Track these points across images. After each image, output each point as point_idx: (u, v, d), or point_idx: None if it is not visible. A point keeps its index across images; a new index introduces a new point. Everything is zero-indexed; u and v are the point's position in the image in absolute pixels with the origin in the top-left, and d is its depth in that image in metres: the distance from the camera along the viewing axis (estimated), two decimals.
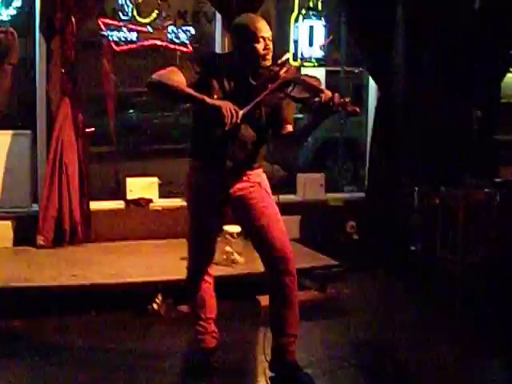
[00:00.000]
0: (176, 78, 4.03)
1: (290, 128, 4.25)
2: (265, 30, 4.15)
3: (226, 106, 3.91)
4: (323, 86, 4.08)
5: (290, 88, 4.06)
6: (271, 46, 4.17)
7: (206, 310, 4.60)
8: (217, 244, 4.64)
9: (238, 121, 3.95)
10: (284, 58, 4.24)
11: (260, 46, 4.12)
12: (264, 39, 4.13)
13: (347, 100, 3.93)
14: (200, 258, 4.59)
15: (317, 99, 3.96)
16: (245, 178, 4.32)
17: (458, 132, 7.56)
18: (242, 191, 4.32)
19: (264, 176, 4.44)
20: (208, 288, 4.62)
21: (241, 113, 3.95)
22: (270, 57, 4.17)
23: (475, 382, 4.71)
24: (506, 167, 7.50)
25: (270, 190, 4.43)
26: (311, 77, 4.16)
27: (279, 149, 4.36)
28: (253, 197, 4.32)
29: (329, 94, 3.95)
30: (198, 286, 4.59)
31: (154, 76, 4.03)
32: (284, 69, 4.11)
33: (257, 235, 4.36)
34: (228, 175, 4.28)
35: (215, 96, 4.07)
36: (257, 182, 4.36)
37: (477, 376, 4.78)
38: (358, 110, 4.00)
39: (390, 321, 5.84)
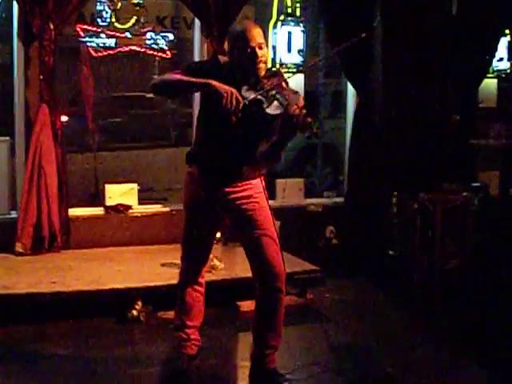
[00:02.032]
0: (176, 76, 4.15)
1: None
2: (258, 37, 4.15)
3: (229, 90, 3.97)
4: (301, 102, 4.10)
5: (265, 104, 4.07)
6: (265, 54, 4.17)
7: (192, 318, 4.58)
8: (210, 252, 4.64)
9: (239, 107, 3.99)
10: (274, 69, 4.27)
11: (259, 53, 4.12)
12: (261, 45, 4.15)
13: (309, 120, 3.93)
14: (191, 264, 4.57)
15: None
16: (246, 187, 4.31)
17: (436, 137, 7.61)
18: (242, 200, 4.30)
19: (263, 185, 4.44)
20: (197, 296, 4.59)
21: (242, 101, 4.00)
22: (262, 66, 4.16)
23: None
24: (484, 172, 7.56)
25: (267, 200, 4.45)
26: (294, 92, 4.19)
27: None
28: (252, 208, 4.32)
29: (296, 110, 3.97)
30: (186, 292, 4.55)
31: (156, 77, 4.14)
32: (269, 82, 4.13)
33: (251, 248, 4.36)
34: (226, 182, 4.28)
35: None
36: (258, 193, 4.36)
37: (454, 379, 4.81)
38: (315, 132, 3.99)
39: (370, 325, 5.86)
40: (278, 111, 4.03)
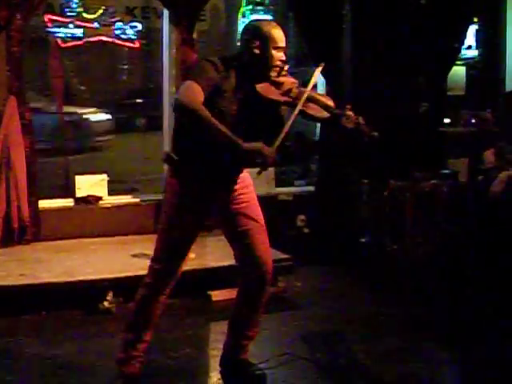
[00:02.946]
0: (199, 97, 3.83)
1: None
2: (283, 40, 4.09)
3: (262, 147, 3.86)
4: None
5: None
6: (284, 58, 4.12)
7: (150, 333, 4.27)
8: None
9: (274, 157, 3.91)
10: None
11: (278, 55, 4.05)
12: (282, 49, 4.08)
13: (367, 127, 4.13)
14: (170, 277, 4.24)
15: (344, 120, 4.09)
16: (237, 185, 4.25)
17: (406, 125, 7.64)
18: (243, 190, 4.27)
19: (248, 175, 4.36)
20: (160, 311, 4.28)
21: (273, 151, 3.90)
22: (280, 68, 4.09)
23: (426, 373, 4.76)
24: (453, 159, 7.60)
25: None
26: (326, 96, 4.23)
27: None
28: (252, 197, 4.32)
29: (353, 117, 4.09)
30: (155, 306, 4.23)
31: (183, 99, 3.83)
32: (298, 93, 4.08)
33: (241, 243, 4.28)
34: (223, 182, 4.19)
35: (226, 100, 3.96)
36: (246, 185, 4.31)
37: (428, 366, 4.84)
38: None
39: (341, 313, 5.88)
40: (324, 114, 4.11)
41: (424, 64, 7.82)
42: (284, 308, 6.01)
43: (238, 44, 7.49)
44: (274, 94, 4.06)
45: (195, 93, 3.83)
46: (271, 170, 8.04)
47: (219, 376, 4.48)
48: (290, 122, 4.01)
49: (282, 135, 3.95)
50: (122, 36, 7.70)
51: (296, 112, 4.02)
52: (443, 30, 7.86)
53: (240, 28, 7.65)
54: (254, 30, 4.12)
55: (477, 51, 8.74)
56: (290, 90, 4.09)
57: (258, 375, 4.40)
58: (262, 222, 4.34)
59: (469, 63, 8.77)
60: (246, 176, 4.32)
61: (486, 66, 8.90)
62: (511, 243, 5.75)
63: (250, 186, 4.34)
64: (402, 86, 7.65)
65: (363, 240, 7.20)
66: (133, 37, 7.74)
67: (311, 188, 8.07)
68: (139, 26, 7.78)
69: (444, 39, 7.95)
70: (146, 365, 4.34)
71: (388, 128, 7.46)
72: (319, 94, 4.31)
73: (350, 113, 4.12)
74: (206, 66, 3.99)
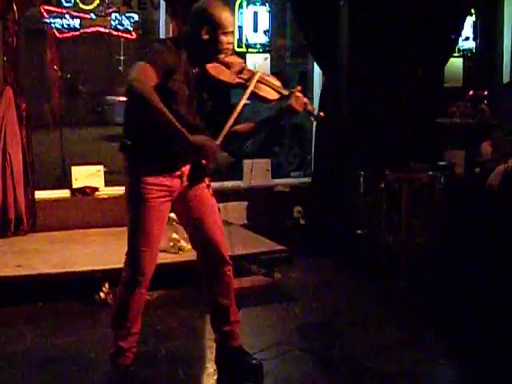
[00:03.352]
0: (151, 81, 3.78)
1: None
2: (232, 24, 4.05)
3: (207, 144, 3.88)
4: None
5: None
6: (232, 43, 4.11)
7: (137, 324, 4.23)
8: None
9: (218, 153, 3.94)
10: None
11: (225, 39, 4.01)
12: (230, 33, 4.04)
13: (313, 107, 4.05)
14: (149, 266, 4.17)
15: (288, 101, 4.05)
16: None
17: (403, 116, 7.64)
18: (200, 185, 4.25)
19: None
20: (143, 303, 4.26)
21: (218, 144, 3.93)
22: (230, 52, 4.08)
23: (421, 365, 4.77)
24: (449, 151, 7.60)
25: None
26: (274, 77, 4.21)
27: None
28: (209, 193, 4.28)
29: (301, 98, 4.04)
30: (138, 297, 4.18)
31: (135, 82, 3.77)
32: (250, 75, 4.09)
33: (194, 230, 4.31)
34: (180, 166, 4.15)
35: (178, 82, 3.94)
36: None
37: (420, 357, 4.85)
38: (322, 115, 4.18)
39: (337, 304, 5.89)
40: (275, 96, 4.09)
41: (421, 55, 7.81)
42: (280, 299, 6.02)
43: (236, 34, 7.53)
44: (225, 75, 4.06)
45: (147, 76, 3.79)
46: (267, 161, 8.05)
47: (215, 366, 4.49)
48: (241, 104, 4.01)
49: (229, 125, 3.96)
50: (119, 27, 7.68)
51: (247, 94, 4.04)
52: (441, 21, 7.85)
53: (237, 19, 7.63)
54: (202, 14, 4.05)
55: (474, 43, 8.72)
56: (241, 71, 4.09)
57: (253, 364, 4.40)
58: (212, 202, 4.31)
59: (466, 55, 8.75)
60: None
61: (483, 58, 8.90)
62: (508, 236, 5.76)
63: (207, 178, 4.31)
64: (397, 76, 7.65)
65: (359, 231, 7.19)
66: (129, 27, 7.71)
67: (308, 179, 8.07)
68: (136, 17, 7.75)
69: (441, 30, 7.94)
70: (142, 355, 4.36)
71: (385, 119, 7.51)
72: (268, 75, 4.29)
73: (299, 94, 4.11)
74: (160, 48, 4.01)
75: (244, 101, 4.04)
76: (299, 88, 4.16)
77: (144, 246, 4.13)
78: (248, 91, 4.03)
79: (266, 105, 4.32)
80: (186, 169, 4.16)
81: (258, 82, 4.10)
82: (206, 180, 4.27)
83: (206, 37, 3.99)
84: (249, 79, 4.08)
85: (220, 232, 4.30)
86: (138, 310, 4.21)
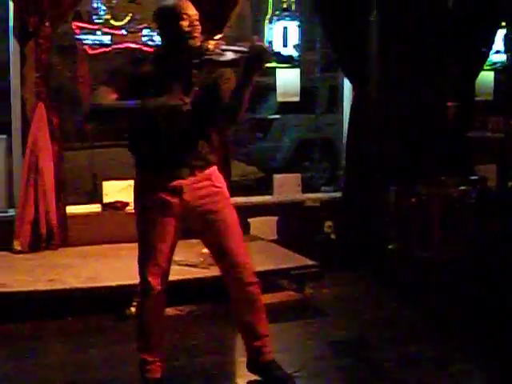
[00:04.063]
0: (110, 97, 3.94)
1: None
2: (189, 8, 4.03)
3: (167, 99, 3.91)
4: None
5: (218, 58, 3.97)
6: (198, 25, 4.04)
7: (156, 337, 4.25)
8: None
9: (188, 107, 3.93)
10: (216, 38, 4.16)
11: (185, 23, 3.99)
12: (189, 16, 4.00)
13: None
14: (155, 275, 4.16)
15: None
16: (204, 182, 4.15)
17: (434, 130, 7.60)
18: (204, 200, 4.15)
19: (219, 174, 4.27)
20: (159, 315, 4.28)
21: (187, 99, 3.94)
22: (197, 35, 4.02)
23: (455, 380, 4.72)
24: (481, 165, 7.55)
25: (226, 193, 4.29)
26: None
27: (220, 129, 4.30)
28: (214, 209, 4.18)
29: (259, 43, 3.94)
30: (154, 311, 4.22)
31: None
32: (210, 42, 4.01)
33: (217, 250, 4.26)
34: (182, 179, 4.10)
35: (152, 90, 3.94)
36: (218, 188, 4.21)
37: (453, 374, 4.80)
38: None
39: (369, 320, 5.85)
40: (238, 55, 3.94)
41: (452, 69, 7.78)
42: (311, 314, 5.98)
43: None
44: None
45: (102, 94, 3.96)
46: (297, 175, 8.03)
47: (245, 382, 4.47)
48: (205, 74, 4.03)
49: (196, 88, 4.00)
50: (149, 43, 7.73)
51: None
52: (471, 34, 7.81)
53: (267, 34, 7.66)
54: (159, 11, 4.12)
55: (505, 56, 8.68)
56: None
57: (285, 379, 4.38)
58: (233, 219, 4.25)
59: (497, 68, 8.70)
60: (217, 175, 4.25)
61: None
62: None
63: (221, 191, 4.24)
64: (429, 90, 7.61)
65: (391, 246, 7.16)
66: (160, 43, 7.76)
67: (338, 194, 8.04)
68: None
69: (472, 44, 7.90)
70: (173, 370, 4.36)
71: (416, 133, 7.47)
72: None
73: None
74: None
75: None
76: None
77: (148, 260, 4.16)
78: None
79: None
80: (187, 184, 4.10)
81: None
82: (224, 191, 4.24)
83: (163, 28, 4.05)
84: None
85: (242, 252, 4.23)
86: (155, 322, 4.21)
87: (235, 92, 3.97)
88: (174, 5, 4.04)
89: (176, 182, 4.08)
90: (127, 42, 7.74)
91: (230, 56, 3.95)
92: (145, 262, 4.19)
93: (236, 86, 3.99)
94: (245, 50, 3.92)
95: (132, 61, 4.24)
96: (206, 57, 3.95)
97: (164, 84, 4.00)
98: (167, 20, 4.04)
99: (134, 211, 4.31)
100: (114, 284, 5.76)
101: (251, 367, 4.45)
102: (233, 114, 4.04)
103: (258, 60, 3.87)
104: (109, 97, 3.94)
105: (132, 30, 7.74)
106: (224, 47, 3.98)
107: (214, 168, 4.24)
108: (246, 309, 4.31)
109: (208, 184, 4.17)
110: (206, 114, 4.08)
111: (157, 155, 4.08)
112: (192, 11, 4.04)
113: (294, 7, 8.00)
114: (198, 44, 4.01)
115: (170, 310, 4.96)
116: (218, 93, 4.06)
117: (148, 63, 4.11)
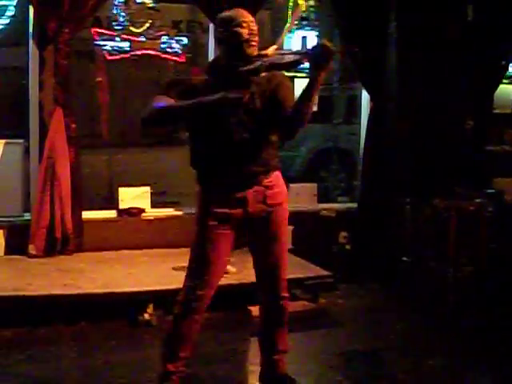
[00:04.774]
0: (165, 100, 3.92)
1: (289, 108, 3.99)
2: (246, 15, 4.02)
3: (226, 93, 3.82)
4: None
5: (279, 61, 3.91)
6: (256, 34, 4.01)
7: (186, 349, 4.18)
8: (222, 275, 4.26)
9: (246, 98, 3.88)
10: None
11: (244, 31, 3.97)
12: (248, 25, 3.98)
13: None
14: (203, 288, 4.10)
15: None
16: (262, 193, 4.08)
17: (451, 143, 7.58)
18: (261, 213, 4.10)
19: (282, 182, 4.21)
20: (197, 329, 4.19)
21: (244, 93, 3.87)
22: (255, 43, 4.00)
23: None
24: (499, 178, 7.51)
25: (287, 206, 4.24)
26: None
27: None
28: (272, 223, 4.13)
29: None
30: (189, 324, 4.15)
31: (145, 110, 3.93)
32: (268, 49, 3.95)
33: (261, 260, 4.22)
34: (240, 189, 4.05)
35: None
36: (278, 201, 4.15)
37: None
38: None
39: (383, 331, 5.82)
40: (297, 57, 3.88)
41: (470, 81, 7.75)
42: (325, 325, 5.98)
43: None
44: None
45: (152, 101, 3.94)
46: (313, 185, 8.02)
47: None
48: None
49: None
50: (168, 50, 7.75)
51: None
52: (490, 47, 7.79)
53: (286, 43, 7.65)
54: (218, 20, 4.09)
55: None
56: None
57: None
58: (286, 236, 4.26)
59: None
60: (279, 192, 4.18)
61: None
62: None
63: (283, 203, 4.19)
64: (446, 102, 7.59)
65: (406, 258, 7.13)
66: (178, 50, 7.78)
67: (354, 205, 8.02)
68: (185, 40, 7.82)
69: (491, 57, 7.87)
70: (185, 378, 4.33)
71: (433, 145, 7.44)
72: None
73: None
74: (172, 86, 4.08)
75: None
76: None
77: (202, 277, 4.08)
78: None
79: None
80: (251, 195, 4.06)
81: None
82: (283, 206, 4.19)
83: (222, 36, 4.01)
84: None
85: (284, 268, 4.21)
86: (189, 334, 4.16)
87: (303, 94, 3.88)
88: (234, 13, 4.03)
89: (240, 193, 4.05)
90: (146, 48, 7.75)
91: (290, 58, 3.91)
92: (197, 278, 4.10)
93: (304, 88, 3.88)
94: (304, 51, 3.90)
95: (190, 73, 4.21)
96: (266, 60, 3.88)
97: (219, 92, 3.92)
98: (227, 28, 4.00)
99: (195, 226, 4.16)
100: (127, 290, 5.77)
101: (263, 379, 4.43)
102: (301, 117, 3.94)
103: (323, 58, 3.76)
104: (168, 101, 3.91)
105: (151, 36, 7.74)
106: (282, 52, 3.97)
107: (278, 174, 4.19)
108: (273, 322, 4.31)
109: (270, 195, 4.11)
110: (268, 120, 4.03)
111: (217, 167, 4.04)
112: (250, 19, 4.03)
113: (312, 16, 8.00)
114: (256, 53, 3.98)
115: None
116: (279, 99, 4.01)
117: (203, 73, 4.12)
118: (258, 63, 3.90)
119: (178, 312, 4.17)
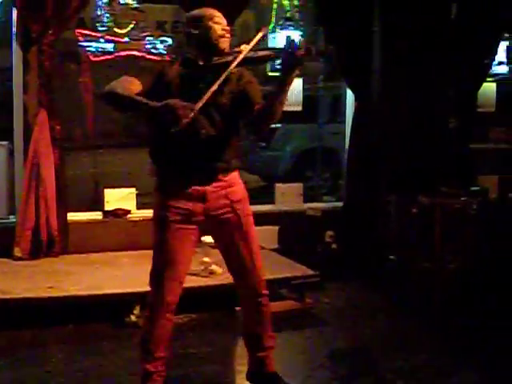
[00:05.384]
0: (128, 85, 3.87)
1: (258, 107, 3.99)
2: (218, 12, 4.06)
3: (175, 103, 3.71)
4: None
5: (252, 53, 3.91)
6: (228, 31, 4.05)
7: (162, 349, 4.15)
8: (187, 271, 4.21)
9: (194, 115, 3.72)
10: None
11: (217, 26, 4.00)
12: (220, 19, 4.03)
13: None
14: (171, 289, 4.09)
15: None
16: (227, 189, 4.09)
17: (435, 141, 7.60)
18: (225, 209, 4.11)
19: (241, 181, 4.22)
20: (168, 328, 4.15)
21: (197, 106, 3.74)
22: (227, 39, 4.03)
23: None
24: (483, 176, 7.55)
25: (248, 203, 4.26)
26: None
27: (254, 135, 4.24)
28: (234, 219, 4.13)
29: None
30: (161, 324, 4.11)
31: (107, 86, 3.88)
32: (241, 46, 3.95)
33: (233, 258, 4.22)
34: (199, 184, 4.03)
35: (175, 94, 3.86)
36: (239, 199, 4.15)
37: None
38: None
39: (369, 330, 5.83)
40: (268, 52, 3.92)
41: (454, 80, 7.78)
42: (311, 324, 5.97)
43: None
44: None
45: (119, 80, 3.91)
46: (299, 185, 8.03)
47: None
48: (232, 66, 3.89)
49: (210, 93, 3.80)
50: (153, 50, 7.72)
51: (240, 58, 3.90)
52: (473, 45, 7.82)
53: (270, 43, 7.64)
54: (191, 16, 4.11)
55: (507, 67, 8.66)
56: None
57: None
58: (252, 229, 4.23)
59: (499, 79, 8.69)
60: (239, 189, 4.19)
61: None
62: None
63: (243, 200, 4.20)
64: (431, 101, 7.61)
65: (392, 257, 7.14)
66: (163, 51, 7.75)
67: (340, 204, 8.04)
68: (169, 41, 7.80)
69: (474, 55, 7.90)
70: (172, 379, 4.34)
71: (417, 144, 7.47)
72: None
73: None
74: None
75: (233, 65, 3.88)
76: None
77: (167, 273, 4.05)
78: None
79: None
80: (210, 191, 4.06)
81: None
82: (245, 201, 4.20)
83: (195, 31, 4.02)
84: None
85: (258, 263, 4.21)
86: (163, 333, 4.14)
87: (273, 93, 3.86)
88: (206, 10, 4.07)
89: (200, 188, 4.04)
90: (130, 49, 7.71)
91: (263, 53, 3.93)
92: (162, 275, 4.06)
93: (274, 87, 3.87)
94: (278, 47, 3.92)
95: (164, 62, 4.18)
96: (238, 55, 3.88)
97: (188, 86, 3.93)
98: (200, 23, 4.01)
99: (152, 221, 4.13)
100: (113, 292, 5.76)
101: (251, 378, 4.44)
102: (270, 115, 3.94)
103: (293, 59, 3.77)
104: (132, 86, 3.87)
105: (135, 37, 7.71)
106: (255, 48, 3.93)
107: (236, 173, 4.18)
108: (255, 319, 4.31)
109: (230, 192, 4.12)
110: (235, 118, 4.06)
111: (179, 161, 4.02)
112: (221, 16, 4.07)
113: (297, 16, 7.99)
114: (228, 49, 4.01)
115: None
116: (249, 97, 4.02)
117: (176, 65, 4.08)
118: (231, 57, 3.91)
119: (148, 314, 4.16)
